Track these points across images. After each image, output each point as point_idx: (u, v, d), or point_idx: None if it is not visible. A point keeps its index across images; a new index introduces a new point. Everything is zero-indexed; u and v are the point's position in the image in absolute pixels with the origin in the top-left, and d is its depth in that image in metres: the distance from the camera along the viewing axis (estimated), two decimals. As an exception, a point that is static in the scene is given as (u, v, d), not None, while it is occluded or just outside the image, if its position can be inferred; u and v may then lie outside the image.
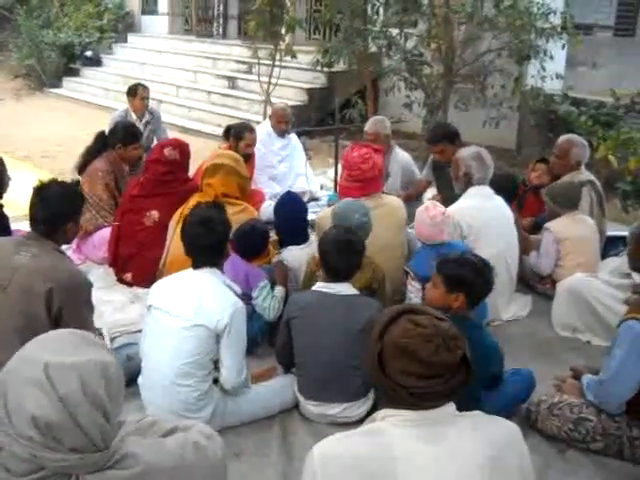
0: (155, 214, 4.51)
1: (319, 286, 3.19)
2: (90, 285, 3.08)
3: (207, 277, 3.04)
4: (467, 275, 2.91)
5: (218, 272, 3.10)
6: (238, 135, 5.50)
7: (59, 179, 3.23)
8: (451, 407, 1.71)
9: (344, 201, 3.87)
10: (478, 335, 2.84)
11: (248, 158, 5.55)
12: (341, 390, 3.08)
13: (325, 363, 3.07)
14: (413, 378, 1.64)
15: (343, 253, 3.13)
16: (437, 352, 1.63)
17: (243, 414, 3.13)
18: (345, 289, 3.14)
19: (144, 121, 6.94)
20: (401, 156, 5.70)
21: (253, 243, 3.85)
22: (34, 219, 3.00)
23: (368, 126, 5.51)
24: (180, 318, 2.94)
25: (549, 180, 5.16)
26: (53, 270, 2.92)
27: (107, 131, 5.29)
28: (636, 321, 2.79)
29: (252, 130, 5.63)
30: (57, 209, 2.99)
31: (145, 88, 7.01)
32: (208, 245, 3.04)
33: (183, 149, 4.61)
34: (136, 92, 6.90)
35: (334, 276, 3.15)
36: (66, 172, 6.27)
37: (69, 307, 2.91)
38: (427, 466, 1.61)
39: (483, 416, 1.76)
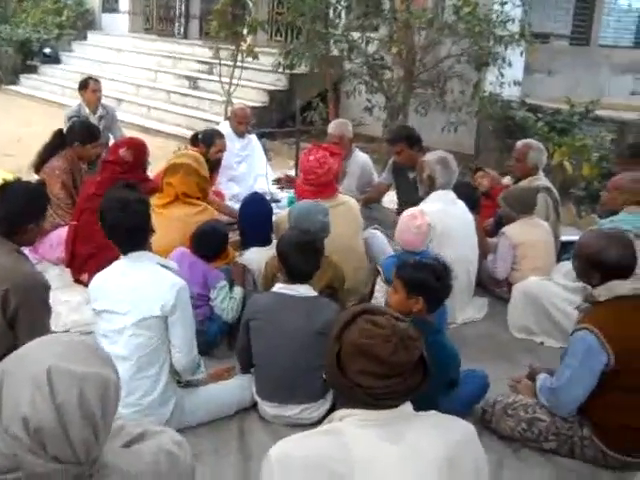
0: None
1: (279, 287, 3.20)
2: (48, 287, 3.03)
3: (141, 264, 2.98)
4: (426, 279, 2.96)
5: (149, 254, 3.03)
6: (209, 141, 5.47)
7: (19, 178, 3.18)
8: (408, 407, 1.73)
9: (303, 203, 3.90)
10: (439, 340, 2.89)
11: (218, 165, 5.55)
12: (299, 391, 3.09)
13: (283, 364, 3.07)
14: (371, 378, 1.66)
15: (302, 254, 3.14)
16: (395, 352, 1.65)
17: (201, 413, 3.13)
18: (305, 291, 3.15)
19: (97, 115, 6.84)
20: (360, 157, 5.75)
21: (212, 244, 3.83)
22: None
23: (332, 128, 5.53)
24: (129, 314, 2.91)
25: (489, 182, 5.39)
26: (10, 271, 2.87)
27: (64, 128, 5.22)
28: (588, 331, 2.85)
29: (222, 136, 5.61)
30: (18, 209, 2.94)
31: (96, 81, 6.95)
32: (132, 227, 2.96)
33: (138, 149, 4.56)
34: (87, 85, 6.83)
35: (294, 277, 3.16)
36: (24, 170, 6.16)
37: (25, 309, 2.87)
38: (385, 465, 1.62)
39: (440, 416, 1.79)
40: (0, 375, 1.42)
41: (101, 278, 3.07)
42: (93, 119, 6.57)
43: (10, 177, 3.12)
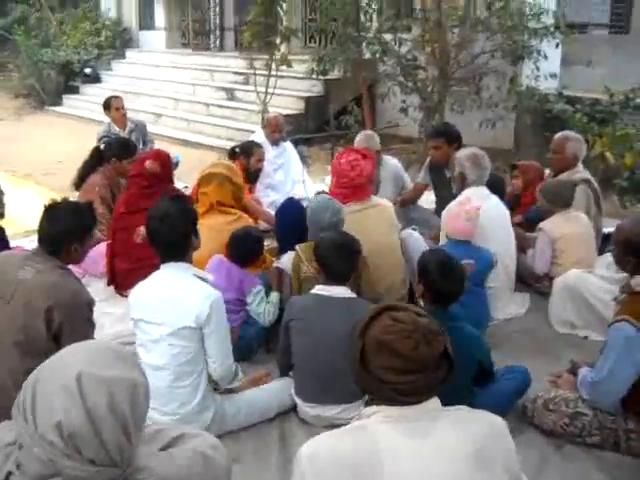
0: (143, 230, 4.53)
1: (318, 289, 3.23)
2: (92, 303, 3.10)
3: (177, 274, 3.03)
4: (427, 267, 3.03)
5: (186, 265, 3.07)
6: (247, 152, 5.55)
7: (66, 198, 3.27)
8: (435, 402, 1.72)
9: (316, 199, 3.95)
10: (452, 325, 2.83)
11: (259, 173, 5.62)
12: (339, 392, 3.10)
13: (323, 365, 3.10)
14: (394, 373, 1.66)
15: (341, 256, 3.18)
16: (417, 347, 1.65)
17: (241, 418, 3.17)
18: (343, 292, 3.18)
19: (127, 130, 6.98)
20: (390, 164, 5.75)
21: (247, 249, 3.86)
22: (40, 236, 3.05)
23: (358, 142, 5.51)
24: (164, 325, 2.97)
25: (522, 185, 5.29)
26: (55, 288, 2.95)
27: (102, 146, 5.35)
28: (626, 322, 2.81)
29: (259, 145, 5.70)
30: (62, 228, 3.01)
31: (117, 98, 7.08)
32: (170, 241, 3.03)
33: (164, 160, 4.61)
34: (109, 105, 6.97)
35: (332, 278, 3.19)
36: (67, 189, 6.33)
37: (69, 325, 2.93)
38: (412, 461, 1.62)
39: (467, 410, 1.78)
40: (33, 384, 1.48)
41: (139, 288, 3.15)
42: (124, 135, 6.69)
43: (55, 196, 3.20)
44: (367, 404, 1.79)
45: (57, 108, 14.52)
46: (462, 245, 3.87)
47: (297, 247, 3.76)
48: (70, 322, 2.92)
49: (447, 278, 3.00)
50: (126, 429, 1.47)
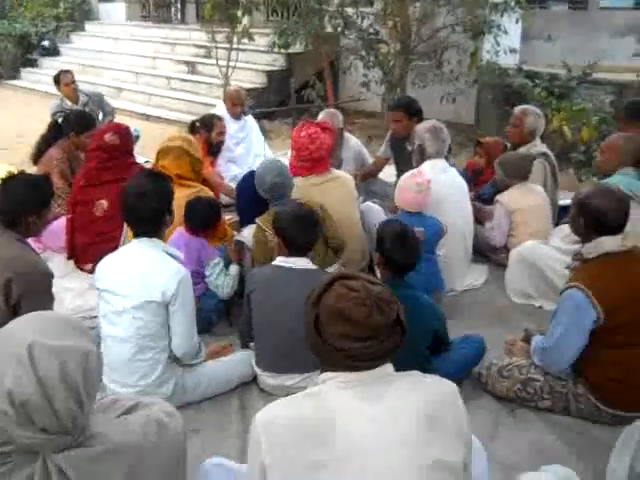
0: (104, 203, 4.52)
1: (279, 260, 3.26)
2: (51, 275, 3.10)
3: (148, 250, 3.04)
4: (384, 238, 3.10)
5: (157, 241, 3.09)
6: (208, 125, 5.52)
7: (22, 170, 3.25)
8: (388, 368, 1.76)
9: (261, 162, 4.07)
10: (407, 294, 2.90)
11: (220, 148, 5.59)
12: (298, 362, 3.14)
13: (282, 335, 3.13)
14: (349, 341, 1.69)
15: (301, 227, 3.20)
16: (370, 314, 1.68)
17: (202, 389, 3.20)
18: (304, 263, 3.21)
19: (80, 104, 6.89)
20: (353, 143, 5.76)
21: (201, 214, 3.84)
22: None
23: (321, 119, 5.50)
24: (129, 297, 2.98)
25: (484, 163, 5.40)
26: (12, 260, 2.94)
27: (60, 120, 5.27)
28: (576, 289, 2.87)
29: (220, 118, 5.66)
30: (18, 200, 3.01)
31: (66, 73, 6.98)
32: (145, 216, 3.04)
33: (123, 133, 4.58)
34: (59, 80, 6.89)
35: (294, 250, 3.22)
36: (26, 164, 6.22)
37: (28, 297, 2.93)
38: (366, 424, 1.66)
39: (420, 375, 1.81)
40: None
41: (108, 259, 3.16)
42: (77, 109, 6.59)
43: (12, 170, 3.17)
44: (321, 371, 1.82)
45: (15, 82, 14.19)
46: (413, 216, 3.92)
47: (257, 220, 3.78)
48: (29, 294, 2.91)
49: (403, 248, 3.05)
50: (78, 397, 1.48)
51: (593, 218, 2.89)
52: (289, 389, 3.16)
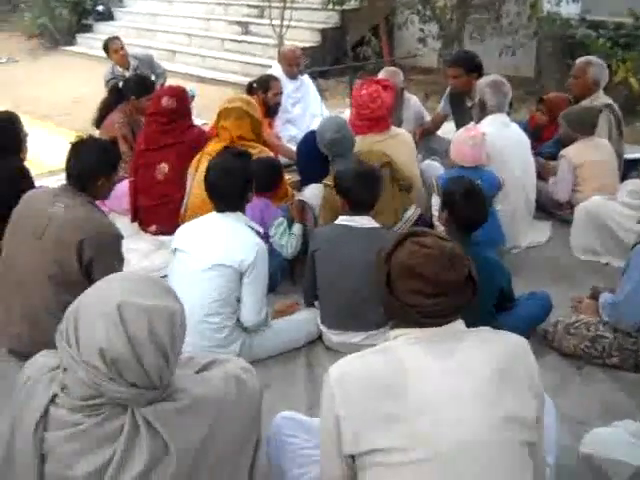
0: (165, 167, 4.57)
1: (342, 219, 3.28)
2: (120, 237, 3.20)
3: (229, 220, 3.14)
4: (454, 195, 3.05)
5: (239, 215, 3.19)
6: (265, 86, 5.52)
7: (90, 135, 3.34)
8: (459, 324, 1.77)
9: (322, 119, 4.07)
10: (476, 251, 2.88)
11: (277, 109, 5.60)
12: (362, 319, 3.18)
13: (346, 293, 3.17)
14: (420, 297, 1.70)
15: (363, 185, 3.22)
16: (442, 270, 1.69)
17: (269, 347, 3.27)
18: (367, 222, 3.23)
19: (131, 69, 6.92)
20: (413, 102, 5.71)
21: (264, 175, 3.86)
22: (68, 173, 3.14)
23: (382, 78, 5.47)
24: (204, 259, 3.05)
25: (547, 120, 5.25)
26: (85, 222, 3.05)
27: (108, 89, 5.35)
28: None
29: (276, 79, 5.66)
30: (88, 164, 3.11)
31: (115, 40, 6.99)
32: (228, 193, 3.14)
33: (180, 96, 4.60)
34: (107, 48, 6.91)
35: (356, 209, 3.23)
36: (87, 128, 6.36)
37: (99, 258, 3.04)
38: (438, 380, 1.67)
39: (490, 331, 1.82)
40: (75, 312, 1.56)
41: (190, 223, 3.27)
42: (129, 74, 6.63)
43: (77, 134, 3.26)
44: (392, 327, 1.83)
45: (71, 47, 14.38)
46: (469, 170, 3.87)
47: (325, 180, 3.80)
48: (100, 255, 3.01)
49: (472, 204, 3.04)
50: (165, 354, 1.55)
51: None
52: (354, 346, 3.20)
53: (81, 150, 3.14)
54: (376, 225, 3.27)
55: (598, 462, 2.15)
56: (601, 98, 4.93)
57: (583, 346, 3.08)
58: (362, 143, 4.06)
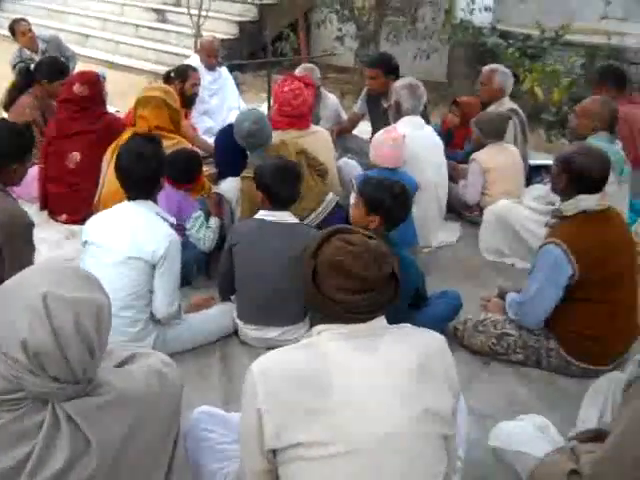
0: (76, 155, 4.47)
1: (261, 214, 3.29)
2: (32, 225, 3.07)
3: (140, 210, 3.08)
4: (385, 199, 3.07)
5: (151, 204, 3.12)
6: (183, 76, 5.42)
7: (3, 118, 3.18)
8: (382, 321, 1.81)
9: (240, 111, 4.10)
10: (394, 251, 2.96)
11: (194, 100, 5.52)
12: (280, 314, 3.21)
13: (265, 288, 3.19)
14: (346, 293, 1.73)
15: (285, 181, 3.23)
16: (367, 268, 1.72)
17: (184, 341, 3.24)
18: (287, 217, 3.26)
19: (39, 52, 6.70)
20: (330, 101, 5.78)
21: (183, 166, 3.84)
22: None
23: (299, 74, 5.49)
24: (116, 252, 2.99)
25: (460, 121, 5.44)
26: None
27: (17, 73, 5.16)
28: (554, 245, 2.97)
29: (195, 69, 5.58)
30: (2, 149, 2.97)
31: (21, 22, 6.77)
32: (141, 178, 3.06)
33: (93, 82, 4.50)
34: (14, 30, 6.69)
35: (277, 204, 3.25)
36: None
37: (10, 246, 2.92)
38: (360, 374, 1.71)
39: (412, 328, 1.87)
40: None
41: (100, 215, 3.19)
42: (37, 57, 6.41)
43: None
44: (314, 323, 1.86)
45: (-27, 25, 13.70)
46: (389, 171, 3.95)
47: (245, 172, 3.79)
48: (11, 243, 2.90)
49: (402, 206, 3.11)
50: (91, 348, 1.51)
51: (577, 175, 2.97)
52: (270, 341, 3.22)
53: None
54: (296, 220, 3.29)
55: (505, 454, 2.25)
56: (506, 104, 5.16)
57: (490, 343, 3.22)
58: (281, 138, 4.06)
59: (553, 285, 2.98)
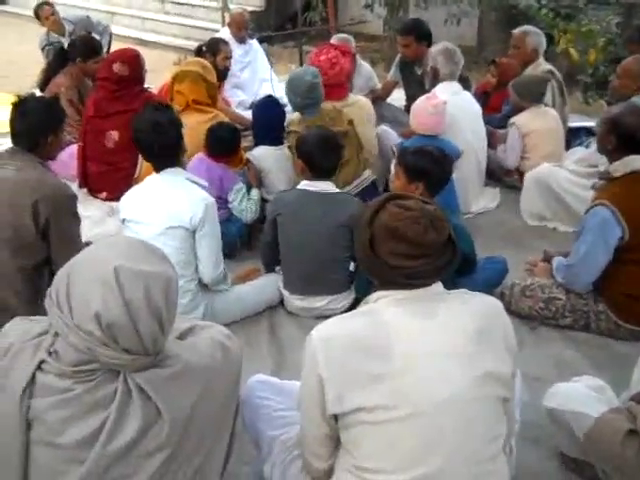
0: (115, 134, 4.48)
1: (303, 184, 3.30)
2: (75, 197, 3.12)
3: (170, 179, 3.09)
4: (425, 166, 3.06)
5: (179, 170, 3.13)
6: (214, 50, 5.40)
7: (32, 93, 3.23)
8: (439, 286, 1.81)
9: (294, 70, 4.11)
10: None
11: (226, 71, 5.51)
12: (325, 284, 3.23)
13: (310, 258, 3.21)
14: (404, 258, 1.73)
15: (327, 151, 3.24)
16: (425, 232, 1.72)
17: (232, 312, 3.28)
18: (327, 187, 3.26)
19: (67, 34, 6.69)
20: (364, 69, 5.73)
21: (224, 140, 3.84)
22: (15, 133, 3.01)
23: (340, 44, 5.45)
24: (155, 225, 3.02)
25: (497, 82, 5.33)
26: (38, 183, 2.95)
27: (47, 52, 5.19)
28: (602, 207, 2.94)
29: (226, 42, 5.55)
30: (37, 122, 2.99)
31: (44, 5, 6.71)
32: (162, 147, 3.06)
33: (133, 61, 4.47)
34: (38, 15, 6.67)
35: (318, 174, 3.25)
36: (23, 90, 6.12)
37: (56, 219, 2.96)
38: (420, 339, 1.72)
39: (469, 293, 1.87)
40: (67, 278, 1.52)
41: (133, 190, 3.20)
42: (65, 40, 6.41)
43: (13, 97, 3.15)
44: (374, 290, 1.86)
45: (1, 7, 13.79)
46: (429, 138, 3.93)
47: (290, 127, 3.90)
48: (56, 216, 2.95)
49: (443, 171, 3.10)
50: (160, 320, 1.54)
51: (626, 135, 2.92)
52: (317, 311, 3.25)
53: (26, 108, 3.01)
54: (335, 190, 3.30)
55: (561, 415, 2.24)
56: (542, 65, 5.08)
57: (538, 307, 3.20)
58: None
59: (602, 247, 2.95)
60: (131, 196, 3.19)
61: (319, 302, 3.25)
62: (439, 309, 1.76)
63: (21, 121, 3.00)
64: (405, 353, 1.70)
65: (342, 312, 3.09)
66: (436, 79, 4.41)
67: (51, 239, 2.96)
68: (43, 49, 6.41)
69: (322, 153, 3.20)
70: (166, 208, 3.02)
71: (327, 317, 3.06)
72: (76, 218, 3.10)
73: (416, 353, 1.70)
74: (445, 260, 1.77)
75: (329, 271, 3.19)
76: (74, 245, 3.02)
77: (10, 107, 3.05)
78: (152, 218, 3.03)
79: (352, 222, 3.03)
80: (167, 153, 3.08)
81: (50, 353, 1.56)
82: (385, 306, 1.77)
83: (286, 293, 3.35)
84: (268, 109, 4.06)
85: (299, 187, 3.30)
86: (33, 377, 1.54)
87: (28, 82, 5.29)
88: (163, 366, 1.60)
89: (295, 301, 3.32)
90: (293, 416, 2.13)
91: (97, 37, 6.68)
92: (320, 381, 1.71)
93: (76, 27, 6.77)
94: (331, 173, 3.27)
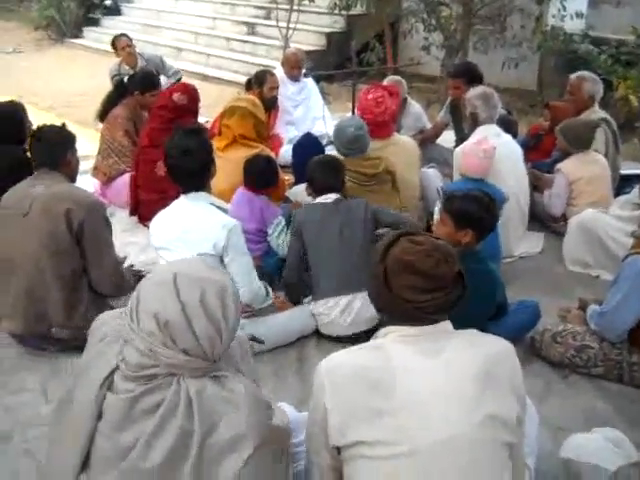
0: None
1: (318, 200, 3.52)
2: (104, 204, 3.45)
3: (195, 204, 3.17)
4: (474, 212, 3.02)
5: (204, 195, 3.21)
6: (260, 80, 5.56)
7: (82, 128, 3.52)
8: (448, 324, 1.83)
9: (341, 119, 4.14)
10: (483, 267, 2.97)
11: (274, 103, 5.64)
12: (357, 279, 3.25)
13: (338, 259, 3.35)
14: (416, 292, 1.75)
15: (328, 170, 3.49)
16: (437, 265, 1.75)
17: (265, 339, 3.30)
18: (335, 196, 3.47)
19: (138, 68, 6.92)
20: (414, 109, 5.80)
21: (260, 171, 3.91)
22: (37, 157, 3.35)
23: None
24: (185, 252, 3.08)
25: (550, 126, 5.26)
26: (68, 193, 3.23)
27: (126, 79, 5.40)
28: None
29: (272, 74, 5.70)
30: (54, 141, 3.32)
31: (121, 38, 6.97)
32: (190, 172, 3.15)
33: (192, 94, 4.61)
34: (115, 46, 6.93)
35: (322, 192, 3.49)
36: (89, 121, 6.40)
37: (89, 223, 3.18)
38: (424, 377, 1.73)
39: (477, 334, 1.87)
40: (138, 291, 1.69)
41: (159, 218, 3.31)
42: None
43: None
44: (382, 325, 1.89)
45: (77, 40, 14.43)
46: (476, 182, 3.92)
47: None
48: (89, 221, 3.17)
49: (491, 215, 3.09)
50: (217, 325, 1.64)
51: None
52: (351, 325, 3.35)
53: (42, 133, 3.35)
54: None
55: (576, 466, 2.19)
56: (597, 112, 4.99)
57: (569, 355, 3.14)
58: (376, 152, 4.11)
59: (637, 296, 2.88)
60: (157, 224, 3.28)
61: (356, 302, 3.31)
62: (445, 347, 1.77)
63: (40, 145, 3.34)
64: (408, 390, 1.70)
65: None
66: (475, 124, 4.41)
67: (85, 243, 3.19)
68: (112, 78, 6.67)
69: (322, 172, 3.49)
70: (193, 236, 3.10)
71: (359, 336, 3.20)
72: (107, 224, 3.34)
73: (419, 391, 1.71)
74: (456, 295, 1.79)
75: (357, 267, 3.28)
76: (106, 248, 3.30)
77: (30, 137, 3.42)
78: (182, 246, 3.11)
79: (372, 213, 3.42)
80: (194, 178, 3.18)
81: (122, 358, 1.68)
82: (391, 342, 1.79)
83: (320, 308, 3.39)
84: (307, 148, 4.15)
85: (313, 202, 3.53)
86: (113, 371, 1.67)
87: (94, 113, 5.52)
88: (218, 384, 1.67)
89: (331, 313, 3.36)
90: (304, 450, 2.13)
91: (164, 77, 6.96)
92: (324, 411, 1.73)
93: (148, 64, 7.02)
94: (337, 190, 3.47)
